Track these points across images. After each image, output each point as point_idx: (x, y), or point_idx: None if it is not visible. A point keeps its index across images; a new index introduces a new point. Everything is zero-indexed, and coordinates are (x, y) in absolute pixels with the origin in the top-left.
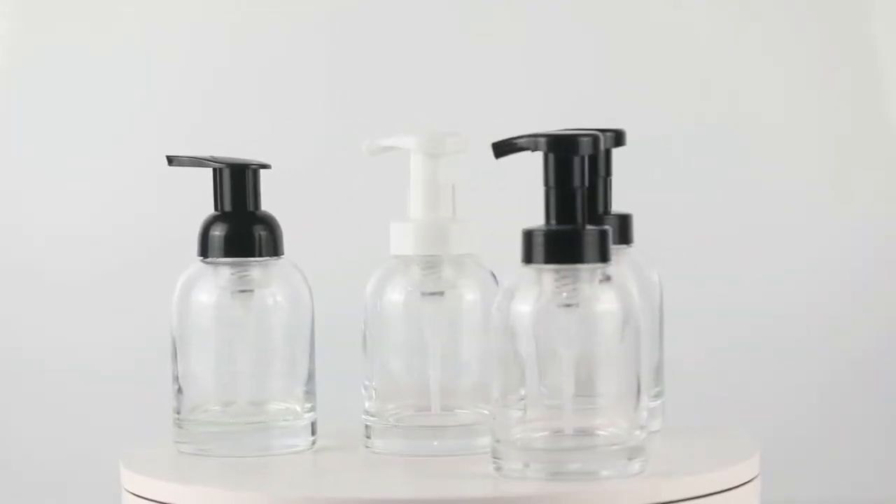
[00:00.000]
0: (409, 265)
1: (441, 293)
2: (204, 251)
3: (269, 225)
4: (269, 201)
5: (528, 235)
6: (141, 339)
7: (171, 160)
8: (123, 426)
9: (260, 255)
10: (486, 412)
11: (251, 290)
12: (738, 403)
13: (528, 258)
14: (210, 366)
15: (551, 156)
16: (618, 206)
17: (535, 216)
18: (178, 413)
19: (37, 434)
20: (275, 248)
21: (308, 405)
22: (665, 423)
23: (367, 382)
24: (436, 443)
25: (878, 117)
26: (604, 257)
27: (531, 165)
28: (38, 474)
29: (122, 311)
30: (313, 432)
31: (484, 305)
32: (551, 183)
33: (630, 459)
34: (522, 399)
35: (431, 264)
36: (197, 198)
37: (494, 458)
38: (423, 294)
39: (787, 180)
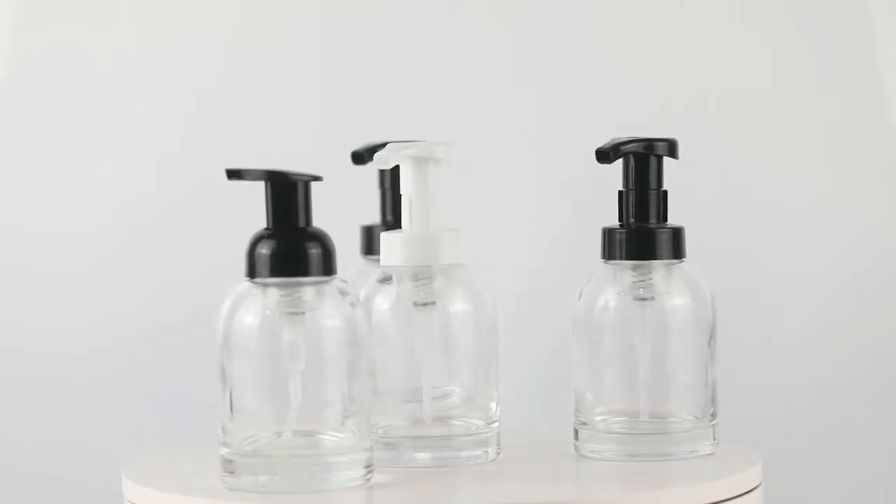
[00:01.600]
0: (399, 276)
1: (433, 303)
2: (252, 271)
3: (323, 242)
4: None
5: (609, 233)
6: (141, 341)
7: (232, 174)
8: (123, 428)
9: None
10: (479, 423)
11: (302, 313)
12: (739, 412)
13: (609, 255)
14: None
15: (630, 158)
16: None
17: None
18: (226, 445)
19: (35, 436)
20: (328, 268)
21: (366, 435)
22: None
23: None
24: (426, 455)
25: (879, 117)
26: (677, 254)
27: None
28: (37, 476)
29: (120, 309)
30: (368, 464)
31: (475, 315)
32: (631, 185)
33: (700, 442)
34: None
35: (423, 275)
36: (199, 198)
37: (575, 440)
38: (415, 304)
39: (787, 182)
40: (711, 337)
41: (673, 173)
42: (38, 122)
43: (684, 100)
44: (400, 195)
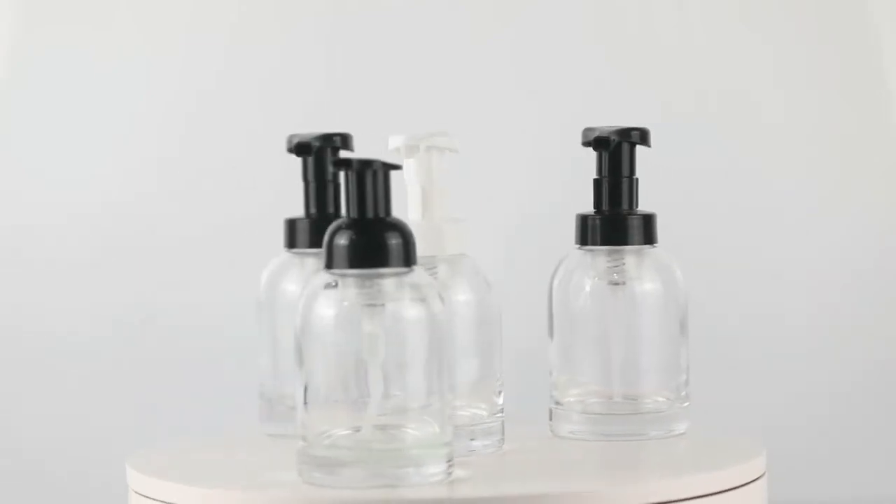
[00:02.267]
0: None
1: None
2: (330, 262)
3: (402, 233)
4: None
5: (583, 219)
6: (144, 338)
7: (340, 164)
8: (126, 424)
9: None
10: (483, 413)
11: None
12: (743, 403)
13: (583, 240)
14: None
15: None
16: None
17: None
18: (303, 439)
19: (40, 432)
20: (408, 259)
21: (447, 428)
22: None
23: None
24: None
25: (880, 117)
26: (649, 239)
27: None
28: (42, 472)
29: (120, 309)
30: (450, 458)
31: (479, 305)
32: (605, 173)
33: (674, 422)
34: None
35: (427, 265)
36: (199, 198)
37: (549, 420)
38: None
39: (787, 182)
40: (683, 320)
41: (672, 173)
42: (39, 122)
43: (684, 100)
44: (323, 187)
